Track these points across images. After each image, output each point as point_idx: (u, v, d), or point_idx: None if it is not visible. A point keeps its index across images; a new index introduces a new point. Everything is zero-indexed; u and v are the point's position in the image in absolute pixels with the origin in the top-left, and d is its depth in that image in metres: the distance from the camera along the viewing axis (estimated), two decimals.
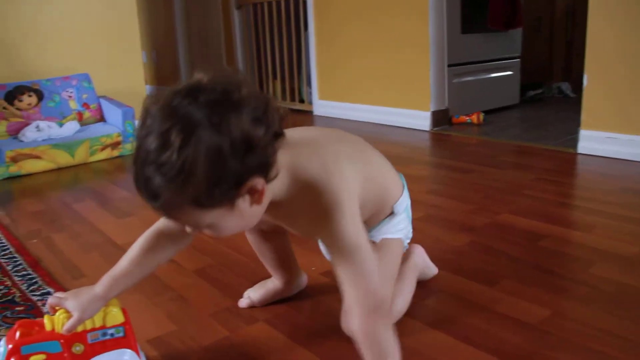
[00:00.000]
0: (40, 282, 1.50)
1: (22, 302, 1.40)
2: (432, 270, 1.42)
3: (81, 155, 2.92)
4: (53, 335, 0.96)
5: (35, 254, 1.73)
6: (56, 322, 0.97)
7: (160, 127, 0.75)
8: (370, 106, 3.65)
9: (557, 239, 1.64)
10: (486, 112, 3.49)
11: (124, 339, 1.01)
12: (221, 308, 1.32)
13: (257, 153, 0.79)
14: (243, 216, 0.85)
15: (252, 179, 0.80)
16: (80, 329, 0.97)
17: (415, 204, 1.99)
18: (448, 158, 2.70)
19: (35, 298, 1.42)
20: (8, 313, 1.35)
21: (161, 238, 1.04)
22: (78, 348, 0.98)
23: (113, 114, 3.18)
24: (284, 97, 4.43)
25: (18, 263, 1.65)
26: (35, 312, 1.35)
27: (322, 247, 1.23)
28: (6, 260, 1.68)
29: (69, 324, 0.96)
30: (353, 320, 0.92)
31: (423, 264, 1.37)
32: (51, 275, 1.56)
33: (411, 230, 1.25)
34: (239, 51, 4.84)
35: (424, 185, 2.28)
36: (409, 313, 1.24)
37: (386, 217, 1.16)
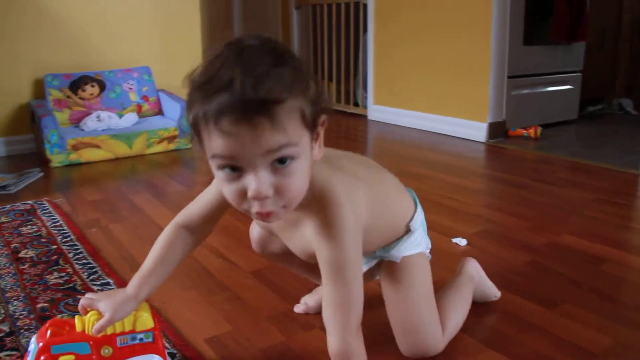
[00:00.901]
0: (100, 272, 1.54)
1: (83, 291, 1.43)
2: (492, 290, 1.37)
3: (138, 146, 2.98)
4: (83, 337, 0.97)
5: (95, 243, 1.77)
6: (87, 323, 0.97)
7: (264, 48, 0.78)
8: (425, 114, 3.62)
9: (619, 264, 1.60)
10: (544, 126, 3.42)
11: (153, 344, 1.01)
12: (278, 312, 1.33)
13: (322, 98, 0.84)
14: (309, 166, 0.83)
15: (323, 117, 0.84)
16: (109, 331, 0.98)
17: (471, 217, 1.99)
18: (504, 172, 2.65)
19: (95, 288, 1.45)
20: (70, 300, 1.38)
21: (180, 232, 1.06)
22: (107, 351, 0.98)
23: (171, 108, 3.23)
24: (338, 100, 4.42)
25: (79, 251, 1.69)
26: None
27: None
28: (67, 248, 1.72)
29: (99, 323, 0.96)
30: (330, 339, 0.94)
31: (478, 277, 1.34)
32: (110, 266, 1.59)
33: (429, 240, 1.21)
34: (296, 51, 4.86)
35: (479, 199, 2.25)
36: (466, 330, 1.23)
37: (404, 236, 1.14)
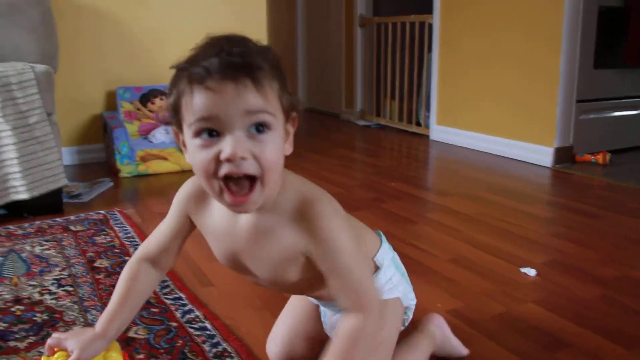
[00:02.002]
0: (172, 286, 1.58)
1: (156, 304, 1.47)
2: (458, 348, 1.26)
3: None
4: None
5: None
6: None
7: (247, 38, 0.87)
8: (489, 136, 3.58)
9: None
10: (613, 152, 3.33)
11: None
12: None
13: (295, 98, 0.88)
14: (283, 144, 0.85)
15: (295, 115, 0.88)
16: None
17: (539, 246, 1.95)
18: (571, 199, 2.59)
19: (168, 302, 1.49)
20: (145, 313, 1.42)
21: (142, 265, 1.04)
22: None
23: None
24: (400, 119, 4.42)
25: None
26: (168, 315, 1.41)
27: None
28: None
29: None
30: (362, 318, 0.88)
31: (442, 336, 1.23)
32: (181, 280, 1.63)
33: (411, 293, 1.13)
34: (359, 69, 4.88)
35: (546, 227, 2.21)
36: None
37: (373, 274, 1.05)
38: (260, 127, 0.79)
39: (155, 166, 2.96)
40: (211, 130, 0.78)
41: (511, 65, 3.39)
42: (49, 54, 2.86)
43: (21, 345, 1.30)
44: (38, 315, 1.44)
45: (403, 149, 3.85)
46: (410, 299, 1.12)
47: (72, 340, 0.96)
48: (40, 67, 2.35)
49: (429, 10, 3.99)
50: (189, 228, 1.02)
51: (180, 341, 1.29)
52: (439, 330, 1.23)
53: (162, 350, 1.26)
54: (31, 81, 2.27)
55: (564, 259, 1.83)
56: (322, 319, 1.15)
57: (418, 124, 4.29)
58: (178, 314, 1.42)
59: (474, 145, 3.68)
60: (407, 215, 2.28)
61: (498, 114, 3.52)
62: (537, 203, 2.51)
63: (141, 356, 1.24)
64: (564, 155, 3.22)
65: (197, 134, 0.79)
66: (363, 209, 2.34)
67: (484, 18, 3.55)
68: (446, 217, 2.24)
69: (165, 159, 2.96)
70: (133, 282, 1.02)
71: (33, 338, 1.33)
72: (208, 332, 1.33)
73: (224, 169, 0.78)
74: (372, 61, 4.79)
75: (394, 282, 1.07)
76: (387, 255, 1.08)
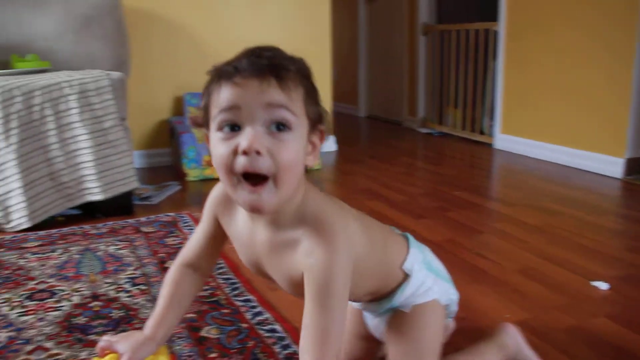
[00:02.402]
0: (241, 288, 1.61)
1: (226, 305, 1.50)
2: (532, 359, 1.22)
3: None
4: None
5: (234, 259, 1.85)
6: None
7: (279, 51, 0.87)
8: (556, 146, 3.50)
9: None
10: None
11: None
12: None
13: (320, 110, 0.89)
14: (303, 150, 0.85)
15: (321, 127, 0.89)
16: None
17: (611, 260, 1.90)
18: None
19: (238, 303, 1.52)
20: (216, 314, 1.46)
21: (184, 270, 1.06)
22: None
23: None
24: (463, 127, 4.37)
25: (221, 265, 1.78)
26: (239, 317, 1.44)
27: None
28: None
29: None
30: None
31: (516, 348, 1.20)
32: (250, 282, 1.66)
33: (451, 288, 1.12)
34: (421, 77, 4.86)
35: (618, 240, 2.15)
36: None
37: (404, 282, 1.05)
38: (281, 126, 0.81)
39: None
40: (233, 125, 0.81)
41: (580, 71, 3.31)
42: (121, 61, 2.97)
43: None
44: (115, 311, 1.50)
45: (466, 157, 3.81)
46: (451, 295, 1.11)
47: (122, 343, 0.99)
48: (115, 74, 2.44)
49: (493, 17, 3.94)
50: (221, 232, 1.03)
51: (252, 342, 1.32)
52: (513, 340, 1.21)
53: (233, 350, 1.29)
54: (107, 87, 2.36)
55: (638, 273, 1.78)
56: (365, 321, 1.17)
57: (481, 132, 4.24)
58: (248, 316, 1.45)
59: (539, 155, 3.60)
60: (473, 224, 2.26)
61: (565, 122, 3.45)
62: (607, 215, 2.45)
63: (214, 355, 1.27)
64: (635, 167, 3.11)
65: (220, 127, 0.82)
66: (428, 217, 2.33)
67: (551, 24, 3.49)
68: (512, 227, 2.21)
69: None
70: (176, 287, 1.05)
71: (111, 333, 1.38)
72: (278, 334, 1.35)
73: (240, 163, 0.80)
74: (435, 69, 4.76)
75: (427, 285, 1.06)
76: (416, 259, 1.07)
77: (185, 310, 1.08)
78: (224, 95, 0.81)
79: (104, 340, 1.01)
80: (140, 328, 1.36)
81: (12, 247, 2.06)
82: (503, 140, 3.94)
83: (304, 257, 0.87)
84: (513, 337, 1.22)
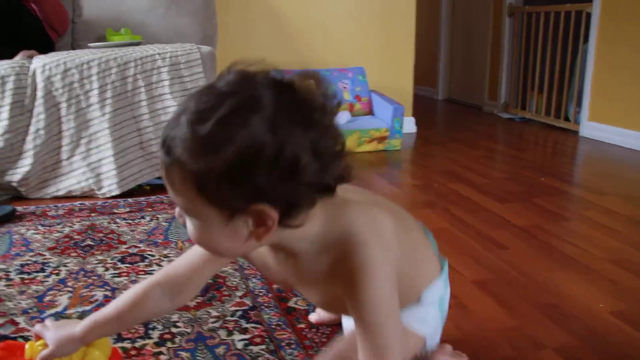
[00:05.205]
0: None
1: None
2: None
3: (350, 144, 3.08)
4: None
5: None
6: (34, 351, 0.97)
7: (224, 88, 0.70)
8: None
9: None
10: None
11: None
12: (506, 326, 1.31)
13: (292, 186, 0.69)
14: (233, 239, 0.74)
15: (269, 207, 0.70)
16: None
17: None
18: None
19: None
20: None
21: (154, 290, 0.96)
22: None
23: (383, 109, 3.30)
24: (547, 113, 4.23)
25: None
26: None
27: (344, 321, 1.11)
28: None
29: (41, 354, 0.95)
30: None
31: None
32: None
33: (439, 334, 1.05)
34: (505, 60, 4.73)
35: None
36: None
37: (411, 304, 0.98)
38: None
39: None
40: None
41: None
42: (209, 35, 3.02)
43: (191, 303, 1.39)
44: None
45: (550, 144, 3.69)
46: (433, 341, 1.04)
47: (52, 333, 0.96)
48: (206, 48, 2.49)
49: None
50: None
51: None
52: None
53: None
54: (197, 61, 2.41)
55: None
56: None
57: (566, 119, 4.09)
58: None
59: (631, 145, 3.44)
60: (560, 211, 2.19)
61: None
62: None
63: (302, 325, 1.29)
64: None
65: None
66: (513, 201, 2.28)
67: None
68: (602, 216, 2.12)
69: None
70: (132, 308, 0.96)
71: (200, 298, 1.41)
72: None
73: None
74: (520, 52, 4.61)
75: (427, 319, 1.00)
76: (436, 293, 1.01)
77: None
78: None
79: (38, 326, 0.99)
80: (228, 295, 1.40)
81: (104, 212, 2.15)
82: (590, 128, 3.79)
83: (343, 286, 0.82)
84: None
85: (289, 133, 0.68)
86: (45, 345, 0.96)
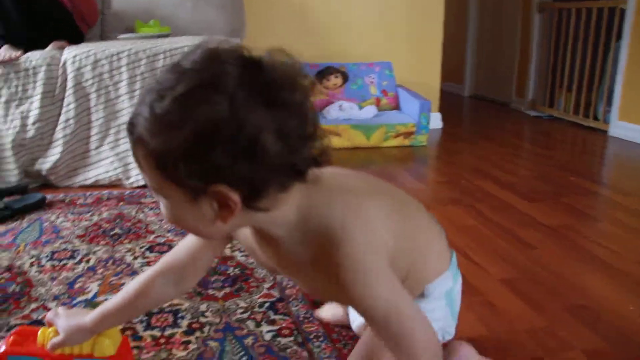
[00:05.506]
0: None
1: None
2: None
3: (376, 139, 3.08)
4: (39, 352, 0.98)
5: None
6: (46, 337, 0.98)
7: (187, 66, 0.68)
8: None
9: None
10: None
11: None
12: (535, 326, 1.30)
13: (253, 167, 0.66)
14: (200, 220, 0.73)
15: (228, 189, 0.68)
16: (67, 351, 0.97)
17: None
18: None
19: None
20: None
21: (157, 279, 0.96)
22: None
23: (409, 104, 3.28)
24: (575, 112, 4.18)
25: None
26: None
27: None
28: None
29: (52, 341, 0.96)
30: None
31: None
32: None
33: (453, 326, 1.01)
34: (534, 56, 4.67)
35: None
36: None
37: (416, 297, 0.93)
38: None
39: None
40: None
41: None
42: (237, 28, 3.03)
43: (219, 294, 1.40)
44: (231, 269, 1.54)
45: (578, 143, 3.64)
46: (446, 333, 1.01)
47: (63, 321, 0.97)
48: (234, 41, 2.49)
49: None
50: (224, 239, 0.97)
51: None
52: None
53: None
54: None
55: None
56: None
57: (595, 118, 4.03)
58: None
59: None
60: (589, 211, 2.16)
61: None
62: None
63: None
64: None
65: None
66: (541, 201, 2.25)
67: None
68: (632, 218, 2.09)
69: (338, 135, 3.03)
70: (141, 296, 0.96)
71: (229, 289, 1.42)
72: None
73: None
74: (549, 49, 4.55)
75: (434, 314, 0.93)
76: (443, 287, 0.96)
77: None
78: None
79: (53, 312, 1.01)
80: (256, 287, 1.41)
81: (132, 201, 2.17)
82: (620, 128, 3.73)
83: (332, 285, 0.79)
84: (466, 356, 1.10)
85: (250, 112, 0.65)
86: (57, 332, 0.98)
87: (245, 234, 0.88)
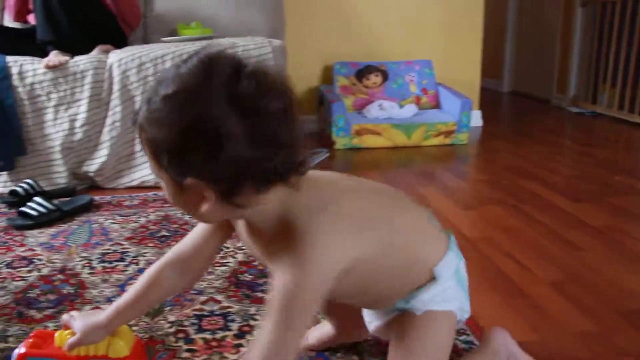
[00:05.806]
0: None
1: None
2: None
3: (416, 138, 3.07)
4: (58, 353, 1.02)
5: None
6: (63, 339, 1.02)
7: (182, 70, 0.76)
8: None
9: None
10: None
11: None
12: (583, 330, 1.28)
13: (223, 168, 0.74)
14: (189, 206, 0.81)
15: (202, 184, 0.76)
16: (83, 352, 1.02)
17: None
18: None
19: None
20: None
21: (166, 271, 1.01)
22: None
23: (450, 103, 3.26)
24: (620, 108, 4.09)
25: None
26: None
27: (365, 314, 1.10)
28: None
29: (69, 341, 1.00)
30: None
31: (507, 352, 1.09)
32: None
33: (468, 303, 1.02)
34: (575, 52, 4.58)
35: None
36: None
37: (427, 283, 0.96)
38: None
39: (369, 140, 3.04)
40: None
41: None
42: (277, 28, 3.05)
43: (268, 297, 1.41)
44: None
45: (623, 140, 3.56)
46: (464, 312, 1.03)
47: (79, 322, 1.02)
48: (276, 42, 2.51)
49: None
50: (225, 230, 1.00)
51: None
52: (504, 348, 1.10)
53: None
54: (268, 54, 2.43)
55: None
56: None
57: None
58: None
59: None
60: (637, 211, 2.12)
61: None
62: None
63: None
64: None
65: None
66: (587, 201, 2.21)
67: None
68: None
69: (379, 134, 3.04)
70: (149, 288, 1.02)
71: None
72: None
73: None
74: (592, 43, 4.47)
75: (449, 295, 0.97)
76: (450, 266, 0.99)
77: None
78: None
79: (69, 314, 1.05)
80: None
81: None
82: None
83: (280, 272, 0.84)
84: (504, 343, 1.10)
85: (225, 118, 0.72)
86: (73, 334, 1.02)
87: (240, 225, 0.94)
